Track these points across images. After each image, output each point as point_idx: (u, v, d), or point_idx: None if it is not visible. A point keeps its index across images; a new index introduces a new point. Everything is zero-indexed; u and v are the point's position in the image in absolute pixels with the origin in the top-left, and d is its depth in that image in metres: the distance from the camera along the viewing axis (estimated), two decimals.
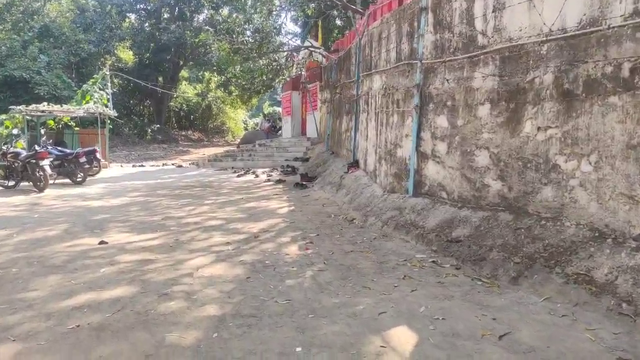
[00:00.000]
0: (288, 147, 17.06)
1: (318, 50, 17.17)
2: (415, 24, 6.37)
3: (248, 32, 22.55)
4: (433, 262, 4.56)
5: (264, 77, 20.88)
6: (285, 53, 19.12)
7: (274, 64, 14.92)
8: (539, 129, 4.29)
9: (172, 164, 19.40)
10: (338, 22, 23.53)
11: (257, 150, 17.60)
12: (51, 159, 11.60)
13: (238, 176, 13.46)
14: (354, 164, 9.13)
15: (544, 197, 4.21)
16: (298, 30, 24.40)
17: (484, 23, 5.05)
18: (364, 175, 8.43)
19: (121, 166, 18.85)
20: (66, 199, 9.61)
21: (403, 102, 6.52)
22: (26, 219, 7.26)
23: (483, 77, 4.96)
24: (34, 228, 6.59)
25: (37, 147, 11.85)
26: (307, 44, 17.20)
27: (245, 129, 44.84)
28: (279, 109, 50.44)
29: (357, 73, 9.34)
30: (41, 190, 10.65)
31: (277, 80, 16.22)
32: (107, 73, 18.17)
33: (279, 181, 11.67)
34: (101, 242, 5.68)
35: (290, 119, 20.70)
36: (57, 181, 12.41)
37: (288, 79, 17.86)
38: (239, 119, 42.87)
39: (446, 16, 5.67)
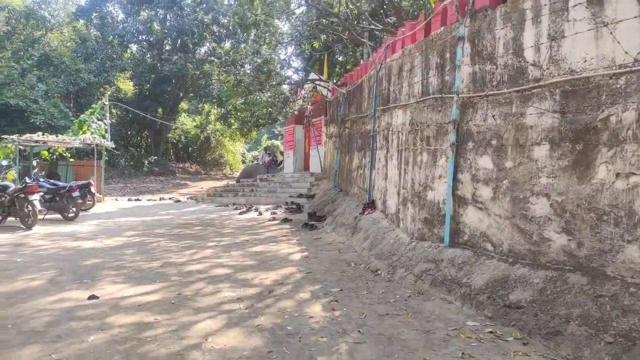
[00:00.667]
0: (291, 183, 16.39)
1: (324, 85, 16.79)
2: (448, 55, 5.82)
3: (250, 65, 22.34)
4: (491, 332, 3.79)
5: (270, 110, 20.49)
6: (290, 86, 18.76)
7: (281, 96, 14.38)
8: (617, 175, 3.62)
9: (170, 199, 18.63)
10: (339, 57, 23.43)
11: (259, 186, 16.90)
12: (42, 193, 10.84)
13: (240, 213, 12.71)
14: (370, 205, 8.44)
15: (628, 257, 3.50)
16: (300, 64, 24.26)
17: (536, 53, 4.47)
18: (382, 217, 7.72)
19: (116, 200, 18.05)
20: (55, 238, 8.80)
21: (434, 139, 5.89)
22: (7, 264, 6.44)
23: (539, 113, 4.34)
24: (14, 276, 5.78)
25: (27, 180, 11.10)
26: (312, 77, 16.82)
27: (244, 162, 44.36)
28: (277, 143, 50.22)
29: (373, 107, 8.78)
30: (29, 227, 9.83)
31: (283, 113, 15.66)
32: (106, 103, 17.65)
33: (285, 220, 10.93)
34: (91, 297, 4.88)
35: (292, 154, 20.12)
36: (47, 216, 11.60)
37: (294, 113, 17.35)
38: (237, 152, 42.42)
39: (487, 46, 5.10)
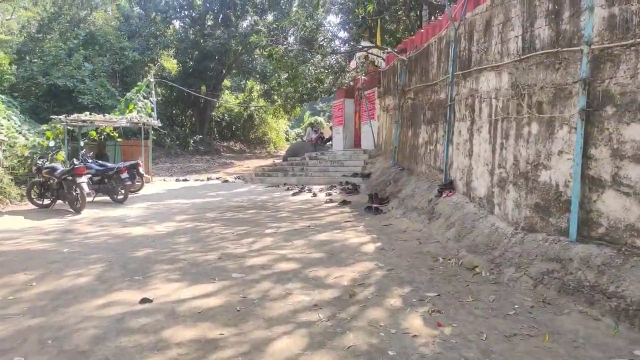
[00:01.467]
0: (344, 161, 15.41)
1: (378, 53, 15.53)
2: None
3: (294, 37, 21.24)
4: None
5: (315, 84, 19.42)
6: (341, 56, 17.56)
7: (336, 65, 13.21)
8: None
9: (217, 179, 18.11)
10: (389, 25, 21.90)
11: (309, 165, 16.03)
12: (90, 175, 10.39)
13: (293, 195, 11.89)
14: (447, 186, 7.35)
15: None
16: (347, 34, 22.81)
17: None
18: (466, 201, 6.64)
19: (164, 180, 17.71)
20: (104, 223, 8.25)
21: (550, 105, 4.72)
22: (54, 255, 5.86)
23: None
24: (60, 270, 5.15)
25: (75, 162, 10.68)
26: (364, 45, 15.57)
27: (287, 139, 43.72)
28: (320, 119, 49.21)
29: (451, 72, 7.59)
30: (77, 211, 9.39)
31: (337, 84, 14.40)
32: (152, 80, 17.13)
33: (343, 202, 10.00)
34: (143, 300, 4.15)
35: (342, 130, 19.07)
36: (96, 199, 11.21)
37: (349, 84, 16.02)
38: (280, 130, 41.74)
39: None
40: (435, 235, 6.42)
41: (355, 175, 13.55)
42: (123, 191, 11.14)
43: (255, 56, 32.32)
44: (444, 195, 7.25)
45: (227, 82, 38.31)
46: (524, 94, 5.13)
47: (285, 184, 13.80)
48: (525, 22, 5.44)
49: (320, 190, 12.21)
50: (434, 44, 9.35)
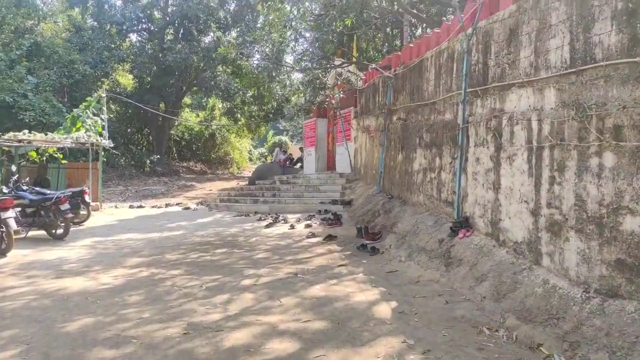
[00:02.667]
0: (319, 186, 14.09)
1: (357, 70, 14.46)
2: None
3: (259, 55, 19.96)
4: None
5: (289, 101, 18.15)
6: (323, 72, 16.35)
7: (316, 81, 11.90)
8: None
9: (177, 205, 16.34)
10: (361, 43, 21.00)
11: (281, 190, 14.59)
12: (19, 209, 8.57)
13: (267, 226, 10.40)
14: (463, 224, 6.12)
15: None
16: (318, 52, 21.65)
17: None
18: (492, 244, 5.42)
19: (116, 207, 15.77)
20: (33, 272, 6.51)
21: (633, 129, 3.58)
22: None
23: None
24: None
25: (4, 190, 8.84)
26: (343, 61, 14.45)
27: (250, 159, 42.11)
28: (285, 138, 47.93)
29: (463, 89, 6.45)
30: (2, 254, 7.56)
31: (316, 102, 13.01)
32: (103, 95, 15.31)
33: (329, 238, 8.61)
34: None
35: (314, 151, 17.80)
36: (31, 233, 9.35)
37: (327, 104, 14.72)
38: (244, 149, 40.10)
39: None
40: (461, 290, 5.13)
41: (334, 202, 12.22)
42: (63, 225, 9.33)
43: (218, 72, 30.82)
44: (459, 235, 6.01)
45: (187, 100, 36.48)
46: (591, 116, 3.97)
47: (256, 213, 12.28)
48: (574, 28, 4.35)
49: (298, 221, 10.79)
50: (431, 58, 8.27)
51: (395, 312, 4.60)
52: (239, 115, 33.98)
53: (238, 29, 29.68)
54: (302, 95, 13.72)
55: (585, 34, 4.24)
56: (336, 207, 11.88)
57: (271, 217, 11.47)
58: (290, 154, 22.76)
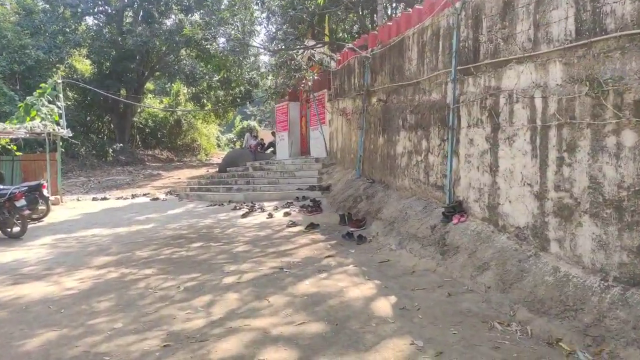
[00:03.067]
0: (295, 172, 13.60)
1: (328, 51, 13.93)
2: None
3: (224, 37, 19.10)
4: None
5: (257, 85, 17.39)
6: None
7: (291, 62, 11.17)
8: None
9: (145, 195, 15.55)
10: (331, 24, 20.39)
11: (255, 176, 14.04)
12: None
13: (244, 216, 9.88)
14: (457, 209, 5.82)
15: None
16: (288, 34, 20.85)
17: None
18: (491, 230, 5.13)
19: (78, 200, 14.87)
20: None
21: None
22: None
23: None
24: None
25: None
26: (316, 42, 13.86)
27: (218, 145, 41.07)
28: (253, 123, 46.96)
29: (453, 67, 6.09)
30: None
31: (290, 84, 12.19)
32: (59, 81, 14.22)
33: (311, 226, 8.19)
34: None
35: (287, 135, 17.24)
36: None
37: (302, 85, 13.95)
38: (211, 136, 38.95)
39: None
40: (461, 280, 4.83)
41: (312, 188, 11.79)
42: (20, 222, 8.56)
43: (182, 57, 29.56)
44: (454, 221, 5.71)
45: (150, 85, 35.05)
46: (607, 91, 3.66)
47: (230, 201, 11.71)
48: None
49: (275, 209, 10.32)
50: (413, 36, 7.88)
51: (396, 308, 4.25)
52: (205, 101, 32.87)
53: (201, 11, 28.49)
54: (273, 78, 12.93)
55: (593, 4, 3.91)
56: (314, 193, 11.46)
57: (247, 205, 10.94)
58: (262, 139, 22.12)
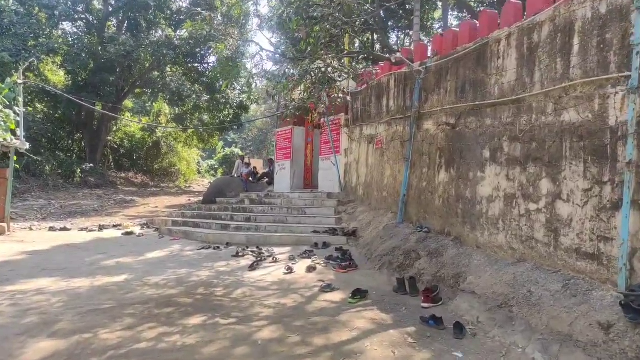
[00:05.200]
0: (304, 208, 11.16)
1: (342, 69, 11.78)
2: None
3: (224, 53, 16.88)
4: None
5: (247, 109, 15.08)
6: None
7: (324, 70, 8.64)
8: None
9: (115, 227, 12.78)
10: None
11: (254, 211, 11.54)
12: None
13: (252, 268, 7.31)
14: None
15: None
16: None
17: None
18: None
19: (31, 229, 12.01)
20: None
21: None
22: None
23: None
24: None
25: None
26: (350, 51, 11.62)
27: (199, 172, 38.26)
28: (237, 150, 44.50)
29: (635, 68, 3.94)
30: None
31: (318, 100, 9.47)
32: (20, 81, 11.57)
33: (358, 295, 5.70)
34: None
35: (289, 165, 14.88)
36: None
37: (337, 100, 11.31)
38: (192, 161, 36.10)
39: None
40: None
41: (332, 232, 9.36)
42: None
43: (167, 74, 27.14)
44: None
45: (128, 103, 32.32)
46: None
47: (228, 244, 9.11)
48: None
49: (292, 259, 7.82)
50: (509, 38, 5.77)
51: None
52: (188, 123, 30.34)
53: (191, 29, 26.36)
54: (284, 92, 10.31)
55: None
56: (337, 238, 9.03)
57: (252, 252, 8.40)
58: (254, 167, 19.67)
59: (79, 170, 23.89)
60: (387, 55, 8.40)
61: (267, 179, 18.14)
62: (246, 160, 20.29)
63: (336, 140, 12.74)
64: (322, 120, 13.18)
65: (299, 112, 8.85)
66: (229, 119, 27.19)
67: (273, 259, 7.81)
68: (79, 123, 26.84)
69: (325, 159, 13.23)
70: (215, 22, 26.04)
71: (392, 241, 7.58)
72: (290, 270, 7.05)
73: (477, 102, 6.39)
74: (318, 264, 7.48)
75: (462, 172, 6.53)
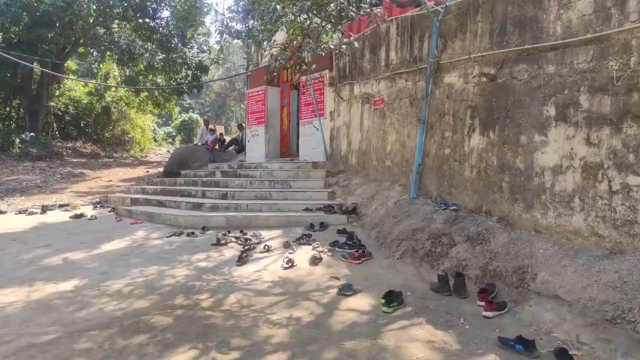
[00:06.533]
0: (289, 181, 9.63)
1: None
2: None
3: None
4: None
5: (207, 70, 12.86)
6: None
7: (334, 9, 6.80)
8: None
9: (62, 207, 10.85)
10: None
11: (229, 185, 9.91)
12: None
13: (240, 261, 5.78)
14: None
15: None
16: None
17: None
18: None
19: None
20: None
21: None
22: None
23: None
24: None
25: None
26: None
27: (155, 140, 35.60)
28: (195, 116, 41.81)
29: None
30: None
31: (326, 40, 7.40)
32: None
33: (391, 299, 4.34)
34: None
35: (263, 130, 13.19)
36: None
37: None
38: (147, 128, 33.31)
39: None
40: None
41: (328, 209, 7.91)
42: None
43: (115, 30, 24.21)
44: None
45: (72, 64, 29.07)
46: None
47: (204, 228, 7.50)
48: None
49: (287, 247, 6.36)
50: None
51: None
52: (142, 86, 27.61)
53: None
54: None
55: None
56: (334, 217, 7.62)
57: (236, 238, 6.86)
58: (220, 134, 17.81)
59: (17, 141, 21.17)
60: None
61: (235, 147, 16.39)
62: (211, 126, 18.35)
63: (320, 102, 11.14)
64: (302, 78, 11.51)
65: (288, 65, 7.13)
66: (186, 81, 24.76)
67: (265, 248, 6.33)
68: (14, 87, 23.75)
69: (306, 123, 11.64)
70: None
71: (410, 221, 6.25)
72: (290, 264, 5.60)
73: (529, 46, 5.00)
74: (322, 252, 6.06)
75: (509, 135, 5.19)
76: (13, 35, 21.92)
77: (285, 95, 13.31)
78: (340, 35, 9.39)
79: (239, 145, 16.03)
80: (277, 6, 5.65)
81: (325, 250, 6.15)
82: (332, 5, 5.94)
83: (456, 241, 5.30)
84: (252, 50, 14.40)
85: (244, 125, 15.67)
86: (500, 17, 5.52)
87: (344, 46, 6.67)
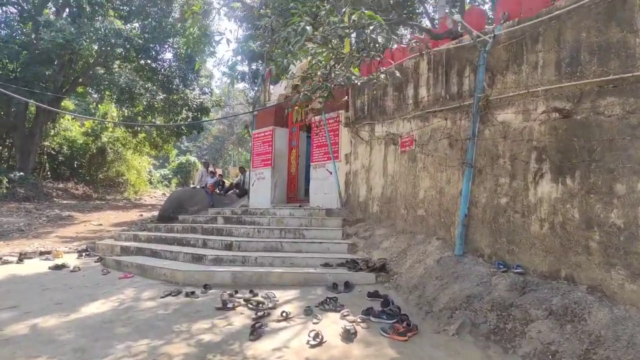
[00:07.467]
0: (301, 230, 8.51)
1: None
2: None
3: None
4: None
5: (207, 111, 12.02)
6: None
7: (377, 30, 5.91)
8: None
9: (42, 255, 9.61)
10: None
11: (233, 233, 8.76)
12: None
13: (253, 335, 4.57)
14: None
15: None
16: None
17: None
18: None
19: None
20: None
21: None
22: None
23: None
24: None
25: None
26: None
27: (150, 182, 34.54)
28: (193, 159, 41.01)
29: None
30: None
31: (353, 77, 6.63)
32: None
33: None
34: None
35: (269, 174, 12.20)
36: None
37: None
38: (142, 170, 32.33)
39: None
40: None
41: (353, 265, 6.76)
42: None
43: (115, 69, 23.67)
44: None
45: (69, 104, 28.38)
46: None
47: (206, 286, 6.30)
48: None
49: (308, 313, 5.18)
50: None
51: None
52: (139, 129, 26.87)
53: (144, 23, 23.19)
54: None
55: None
56: (360, 275, 6.46)
57: (245, 300, 5.67)
58: (220, 176, 16.79)
59: (5, 180, 20.04)
60: (456, 17, 5.79)
61: (236, 191, 15.35)
62: (211, 168, 17.34)
63: (334, 144, 10.22)
64: (315, 118, 10.67)
65: (314, 97, 6.20)
66: (187, 122, 24.05)
67: (282, 315, 5.14)
68: (8, 125, 22.89)
69: (319, 166, 10.66)
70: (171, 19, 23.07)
71: (461, 285, 5.12)
72: (318, 340, 4.41)
73: (616, 75, 4.09)
74: (354, 322, 4.88)
75: (596, 182, 4.19)
76: (9, 72, 21.25)
77: (294, 137, 12.42)
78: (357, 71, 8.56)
79: (241, 189, 15.02)
80: (307, 27, 4.77)
81: (359, 320, 4.97)
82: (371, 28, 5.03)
83: (533, 316, 4.16)
84: (259, 88, 13.69)
85: (245, 168, 14.71)
86: (571, 44, 4.67)
87: (382, 76, 5.73)
